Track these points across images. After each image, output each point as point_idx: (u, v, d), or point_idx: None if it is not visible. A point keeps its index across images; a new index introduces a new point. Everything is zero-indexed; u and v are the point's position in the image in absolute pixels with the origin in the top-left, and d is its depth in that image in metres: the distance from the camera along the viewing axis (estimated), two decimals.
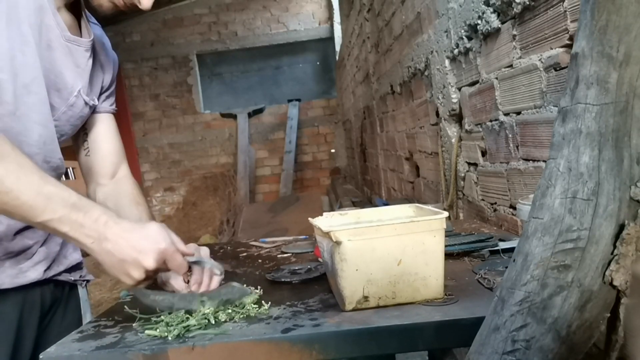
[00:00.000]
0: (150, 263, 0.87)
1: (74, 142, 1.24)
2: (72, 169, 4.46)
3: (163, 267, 0.90)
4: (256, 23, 8.29)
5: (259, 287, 0.99)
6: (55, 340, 0.87)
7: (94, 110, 1.20)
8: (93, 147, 1.23)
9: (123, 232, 0.87)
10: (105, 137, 1.24)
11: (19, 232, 1.05)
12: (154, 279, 1.00)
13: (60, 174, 1.13)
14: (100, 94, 1.22)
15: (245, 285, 0.95)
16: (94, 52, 1.15)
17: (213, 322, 0.85)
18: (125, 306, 0.94)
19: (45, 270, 1.10)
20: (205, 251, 1.04)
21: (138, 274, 0.87)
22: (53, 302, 1.16)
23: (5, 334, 1.04)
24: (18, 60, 0.96)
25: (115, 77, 1.29)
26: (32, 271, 1.08)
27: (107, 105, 1.25)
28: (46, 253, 1.11)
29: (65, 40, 1.05)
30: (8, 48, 0.94)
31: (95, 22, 1.20)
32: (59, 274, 1.15)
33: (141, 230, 0.89)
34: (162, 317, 0.87)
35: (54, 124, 1.06)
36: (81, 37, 1.10)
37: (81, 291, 1.24)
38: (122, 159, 1.28)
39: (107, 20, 1.10)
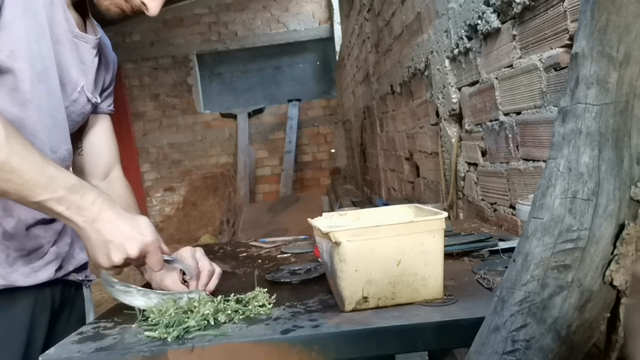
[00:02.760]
0: (134, 251, 0.91)
1: None
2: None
3: (141, 259, 0.93)
4: (256, 23, 8.29)
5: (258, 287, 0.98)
6: (61, 340, 0.87)
7: (94, 109, 1.21)
8: (87, 146, 1.23)
9: (115, 216, 0.91)
10: (100, 138, 1.25)
11: (30, 228, 1.05)
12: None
13: (67, 167, 1.13)
14: (100, 93, 1.22)
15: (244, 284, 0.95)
16: (99, 51, 1.15)
17: (212, 323, 0.84)
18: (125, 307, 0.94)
19: (56, 270, 1.11)
20: (200, 252, 1.04)
21: (118, 258, 0.91)
22: (62, 302, 1.16)
23: (17, 334, 1.04)
24: (34, 49, 0.97)
25: (115, 77, 1.29)
26: (43, 271, 1.08)
27: (105, 106, 1.25)
28: (57, 253, 1.11)
29: (72, 36, 1.06)
30: (25, 37, 0.95)
31: (97, 23, 1.21)
32: (68, 273, 1.16)
33: (132, 219, 0.93)
34: (162, 318, 0.87)
35: (64, 115, 1.07)
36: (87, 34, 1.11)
37: (85, 291, 1.24)
38: (116, 160, 1.28)
39: (107, 21, 1.10)
